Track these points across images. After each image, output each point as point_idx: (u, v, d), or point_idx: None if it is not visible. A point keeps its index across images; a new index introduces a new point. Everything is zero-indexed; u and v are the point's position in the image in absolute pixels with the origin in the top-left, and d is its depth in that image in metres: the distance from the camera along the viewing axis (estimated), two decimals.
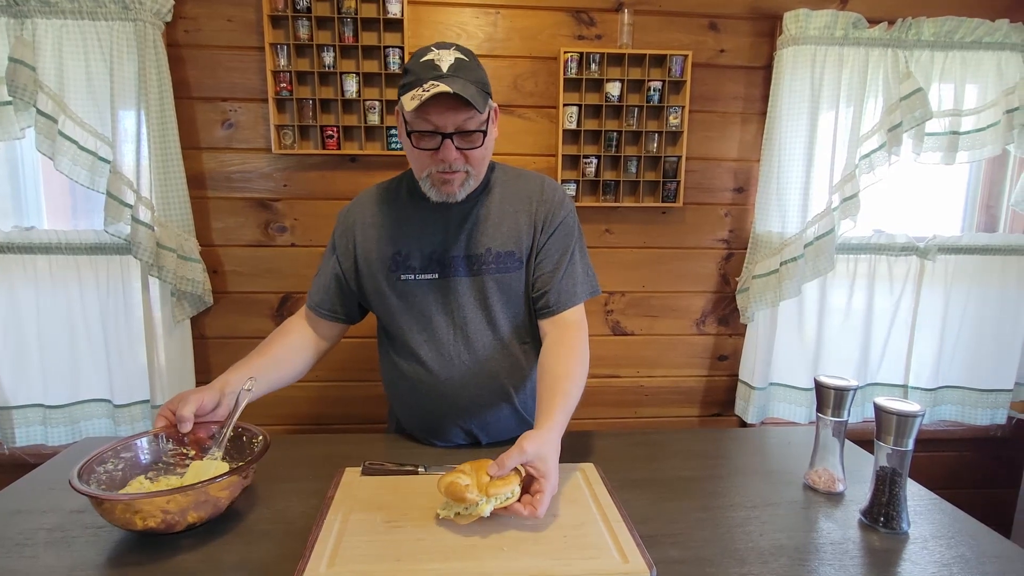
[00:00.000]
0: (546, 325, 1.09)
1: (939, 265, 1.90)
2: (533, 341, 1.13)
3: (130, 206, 1.58)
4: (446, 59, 0.94)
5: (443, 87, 0.89)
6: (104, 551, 0.77)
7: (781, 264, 1.79)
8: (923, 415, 0.84)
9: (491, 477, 0.80)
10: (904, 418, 0.83)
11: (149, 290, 1.67)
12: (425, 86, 0.90)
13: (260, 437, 0.92)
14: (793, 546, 0.81)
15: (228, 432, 0.93)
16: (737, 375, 1.98)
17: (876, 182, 1.78)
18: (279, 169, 1.76)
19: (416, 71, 0.94)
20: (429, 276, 1.06)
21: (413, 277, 1.06)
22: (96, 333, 1.71)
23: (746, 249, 1.93)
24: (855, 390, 0.95)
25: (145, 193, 1.60)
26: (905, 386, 1.97)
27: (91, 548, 0.77)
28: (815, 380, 0.97)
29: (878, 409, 0.85)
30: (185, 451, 0.95)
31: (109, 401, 1.74)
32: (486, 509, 0.79)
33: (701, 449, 1.13)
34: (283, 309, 1.83)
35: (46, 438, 1.73)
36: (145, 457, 0.92)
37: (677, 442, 1.16)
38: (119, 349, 1.71)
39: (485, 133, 0.98)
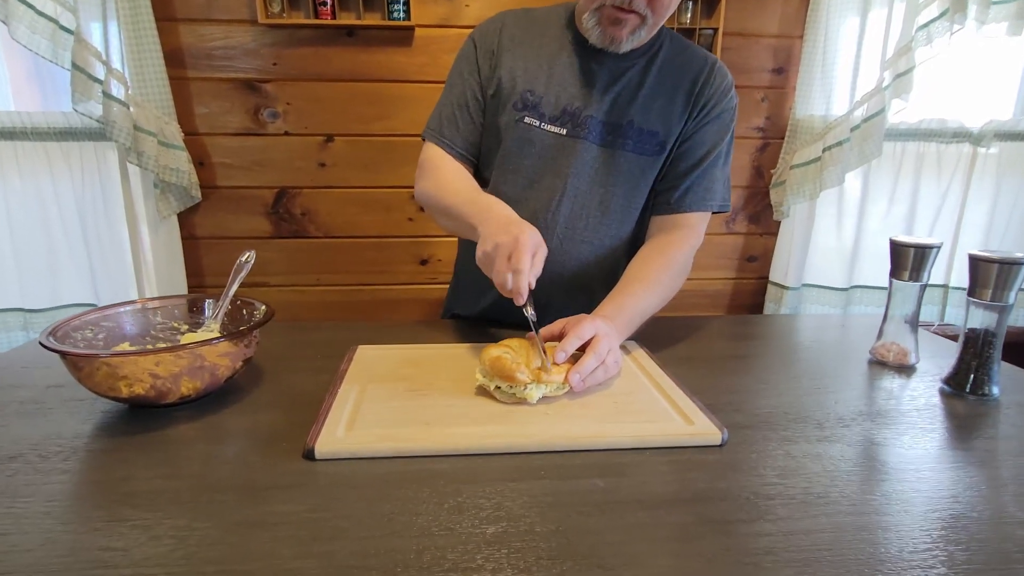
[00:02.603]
0: (656, 223, 0.96)
1: (991, 154, 1.75)
2: (637, 245, 0.98)
3: (100, 81, 1.40)
4: None
5: None
6: (87, 420, 0.67)
7: (824, 150, 1.64)
8: None
9: (549, 364, 0.69)
10: (1008, 266, 0.71)
11: (129, 181, 1.52)
12: None
13: (262, 307, 0.81)
14: (875, 411, 0.71)
15: (225, 304, 0.82)
16: (767, 277, 1.87)
17: (933, 56, 1.60)
18: (266, 45, 1.57)
19: None
20: (556, 129, 0.92)
21: (538, 124, 0.92)
22: (74, 230, 1.56)
23: (783, 139, 1.77)
24: (937, 248, 0.83)
25: (116, 66, 1.41)
26: (946, 286, 1.87)
27: (72, 417, 0.67)
28: (890, 240, 0.85)
29: (974, 260, 0.74)
30: (176, 325, 0.84)
31: (94, 305, 1.63)
32: (535, 395, 0.68)
33: (746, 331, 1.04)
34: (279, 206, 1.68)
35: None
36: (131, 328, 0.81)
37: (719, 326, 1.06)
38: (101, 248, 1.57)
39: None
